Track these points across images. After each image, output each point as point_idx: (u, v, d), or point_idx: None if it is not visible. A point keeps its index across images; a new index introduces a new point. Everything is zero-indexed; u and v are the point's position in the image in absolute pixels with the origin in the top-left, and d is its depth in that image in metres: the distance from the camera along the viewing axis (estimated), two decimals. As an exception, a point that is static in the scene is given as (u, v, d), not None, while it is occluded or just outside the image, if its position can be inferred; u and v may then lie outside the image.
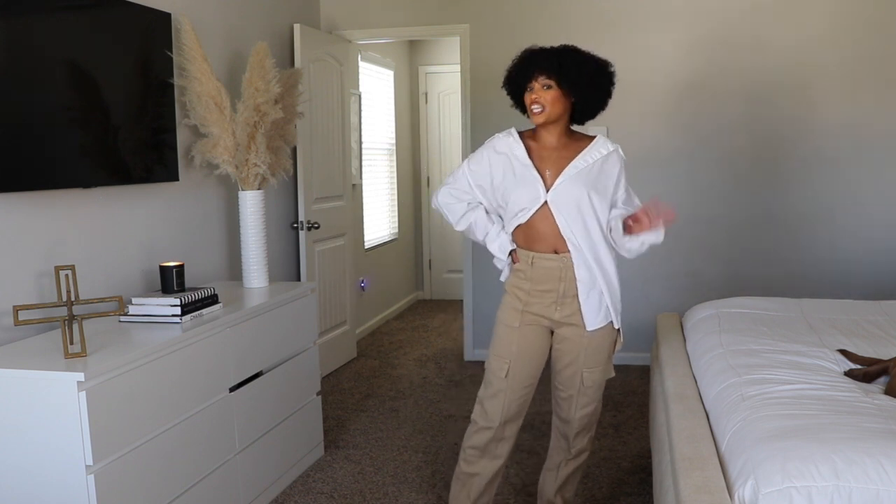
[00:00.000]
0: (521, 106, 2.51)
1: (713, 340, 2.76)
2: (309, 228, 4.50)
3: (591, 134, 2.57)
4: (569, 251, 2.43)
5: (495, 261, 2.60)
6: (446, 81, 6.93)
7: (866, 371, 2.31)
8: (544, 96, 2.39)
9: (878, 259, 4.59)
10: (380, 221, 6.32)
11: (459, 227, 2.59)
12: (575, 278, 2.45)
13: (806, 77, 4.53)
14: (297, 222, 4.55)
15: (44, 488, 2.16)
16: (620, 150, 2.53)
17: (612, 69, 2.45)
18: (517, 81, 2.46)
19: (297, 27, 4.43)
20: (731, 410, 2.10)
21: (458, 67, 5.49)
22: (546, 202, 2.42)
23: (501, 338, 2.53)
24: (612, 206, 2.50)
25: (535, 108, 2.41)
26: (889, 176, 4.53)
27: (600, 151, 2.47)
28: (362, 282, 5.77)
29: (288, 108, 3.51)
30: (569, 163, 2.44)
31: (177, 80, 3.26)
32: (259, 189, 3.39)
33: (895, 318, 3.01)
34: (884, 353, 2.52)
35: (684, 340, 3.09)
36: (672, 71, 4.67)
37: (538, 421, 3.81)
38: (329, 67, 4.77)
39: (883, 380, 2.27)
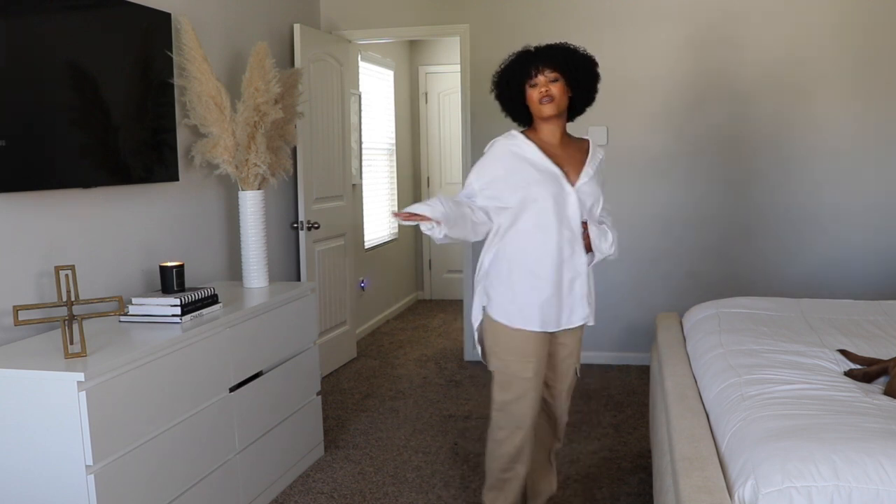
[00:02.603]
0: (514, 110, 2.54)
1: (713, 340, 2.76)
2: (309, 228, 4.50)
3: (582, 136, 2.63)
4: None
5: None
6: (446, 81, 6.93)
7: (866, 371, 2.31)
8: (552, 88, 2.42)
9: (877, 259, 4.59)
10: (380, 221, 6.32)
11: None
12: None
13: (805, 76, 4.53)
14: (297, 222, 4.54)
15: (44, 488, 2.16)
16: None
17: (598, 67, 2.54)
18: (518, 79, 2.46)
19: (297, 27, 4.43)
20: (731, 410, 2.10)
21: (458, 67, 5.49)
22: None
23: (517, 337, 2.50)
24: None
25: (546, 101, 2.43)
26: (888, 174, 4.53)
27: (598, 155, 2.57)
28: (362, 282, 5.77)
29: (288, 108, 3.51)
30: (579, 161, 2.50)
31: (177, 80, 3.26)
32: (259, 189, 3.39)
33: (895, 318, 3.01)
34: (884, 353, 2.52)
35: (684, 340, 3.08)
36: (672, 71, 4.67)
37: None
38: (329, 67, 4.77)
39: (883, 380, 2.27)
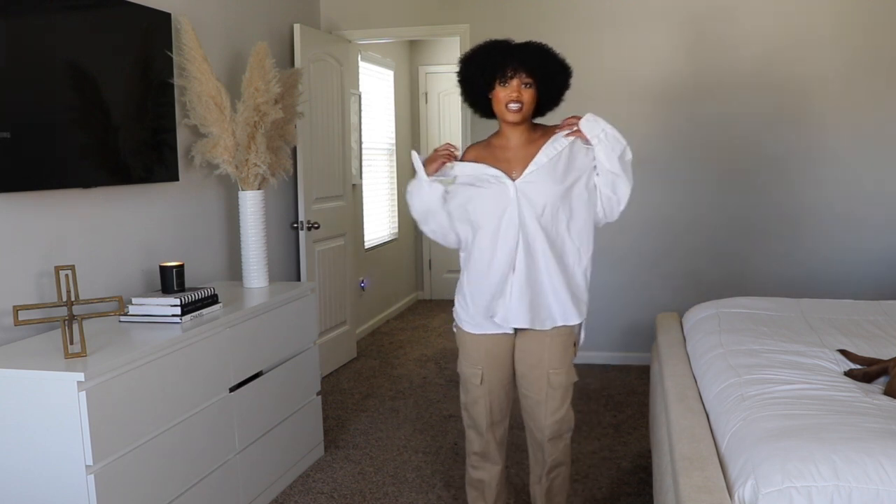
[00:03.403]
0: (477, 101, 2.42)
1: (713, 340, 2.76)
2: (309, 228, 4.50)
3: (552, 124, 2.46)
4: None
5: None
6: (446, 81, 6.92)
7: (866, 371, 2.31)
8: (524, 94, 2.32)
9: (877, 259, 4.59)
10: (380, 221, 6.32)
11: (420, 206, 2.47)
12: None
13: (805, 76, 4.54)
14: (297, 222, 4.55)
15: (44, 488, 2.16)
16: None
17: (571, 78, 2.42)
18: (490, 72, 2.33)
19: (297, 27, 4.43)
20: (731, 410, 2.10)
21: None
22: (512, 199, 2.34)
23: (466, 342, 2.57)
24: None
25: (514, 107, 2.31)
26: (888, 174, 4.53)
27: (561, 142, 2.37)
28: (362, 282, 5.77)
29: (288, 108, 3.51)
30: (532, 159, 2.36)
31: (177, 80, 3.26)
32: (259, 189, 3.39)
33: (895, 318, 3.01)
34: (884, 353, 2.52)
35: (684, 340, 3.08)
36: (672, 71, 4.67)
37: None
38: (329, 67, 4.77)
39: (883, 380, 2.27)
